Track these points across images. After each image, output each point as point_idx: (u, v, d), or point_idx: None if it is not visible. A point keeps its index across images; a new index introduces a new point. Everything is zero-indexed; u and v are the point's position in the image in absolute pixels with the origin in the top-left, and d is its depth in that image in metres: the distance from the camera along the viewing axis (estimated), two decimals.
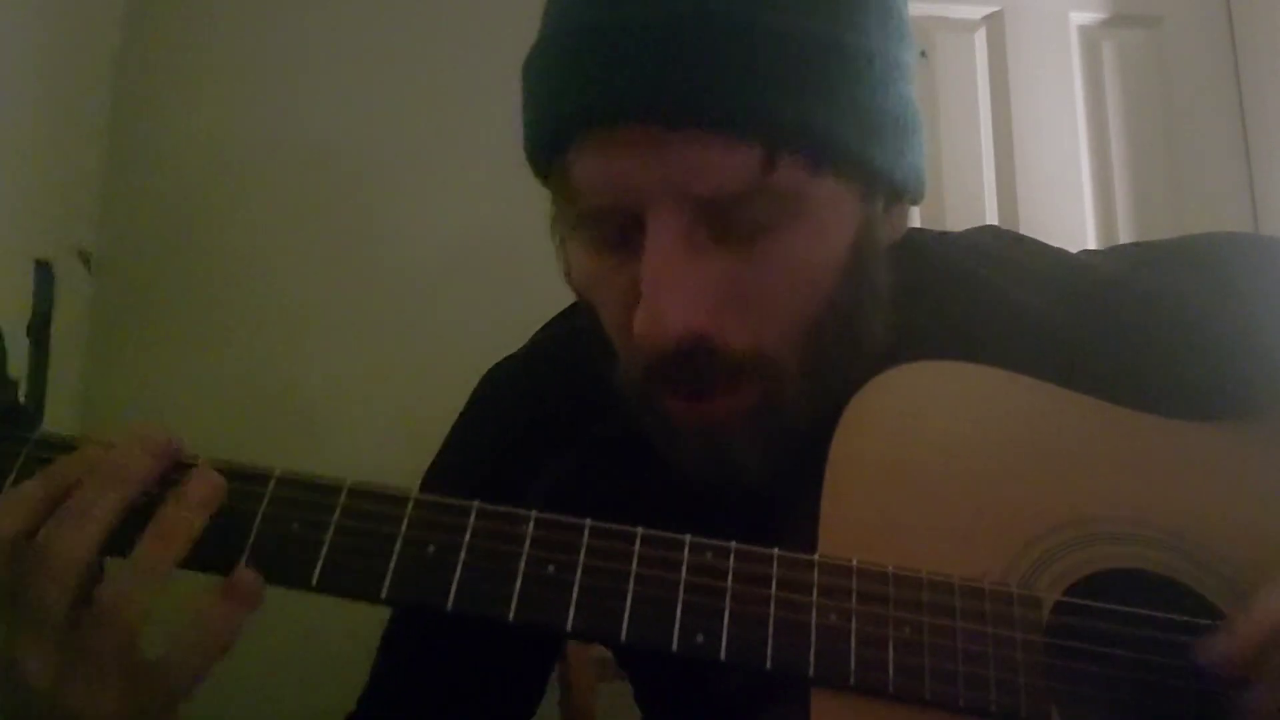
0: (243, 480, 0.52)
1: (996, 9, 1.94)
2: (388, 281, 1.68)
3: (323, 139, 1.72)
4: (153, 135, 1.68)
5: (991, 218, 1.85)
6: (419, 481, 0.73)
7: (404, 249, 1.70)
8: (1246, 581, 0.53)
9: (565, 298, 0.82)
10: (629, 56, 0.52)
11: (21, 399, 0.55)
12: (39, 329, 0.55)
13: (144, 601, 0.48)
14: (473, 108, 1.74)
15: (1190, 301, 0.66)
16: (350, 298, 1.67)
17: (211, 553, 0.50)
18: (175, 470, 0.51)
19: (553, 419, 0.73)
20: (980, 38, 1.94)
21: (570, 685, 1.21)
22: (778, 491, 0.57)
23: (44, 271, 0.55)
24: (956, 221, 1.75)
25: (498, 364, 0.80)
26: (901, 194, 0.62)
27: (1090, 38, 1.95)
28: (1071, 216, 1.86)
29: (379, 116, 1.74)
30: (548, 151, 0.57)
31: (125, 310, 1.61)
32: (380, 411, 1.62)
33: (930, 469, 0.56)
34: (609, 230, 0.56)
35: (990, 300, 0.67)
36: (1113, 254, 0.76)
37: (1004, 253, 0.72)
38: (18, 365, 0.55)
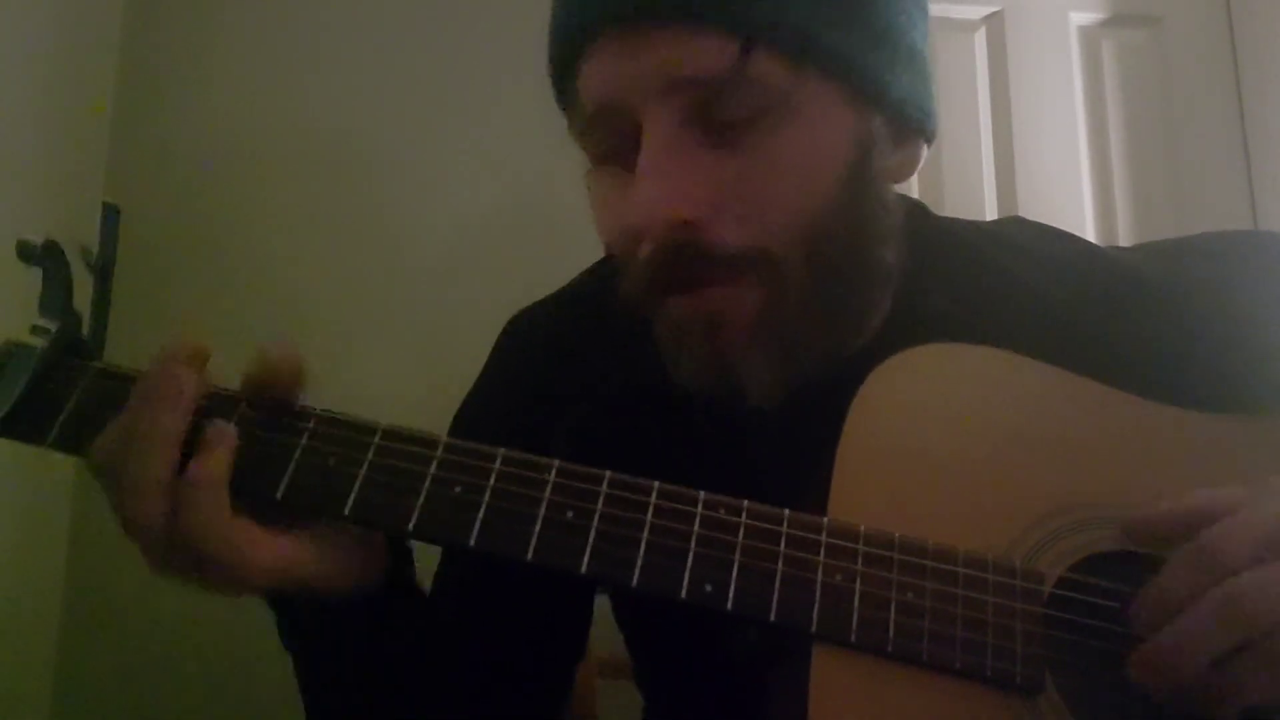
0: (289, 416, 0.56)
1: (996, 9, 1.95)
2: (396, 270, 1.69)
3: (329, 126, 1.72)
4: (157, 127, 1.69)
5: (991, 216, 1.86)
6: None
7: (412, 236, 1.71)
8: None
9: (573, 276, 0.83)
10: None
11: (85, 333, 0.58)
12: (103, 267, 0.58)
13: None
14: (481, 93, 1.76)
15: (1203, 294, 0.67)
16: (358, 286, 1.68)
17: (253, 480, 0.53)
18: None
19: (576, 361, 0.74)
20: (980, 38, 1.95)
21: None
22: (792, 451, 0.58)
23: (110, 213, 0.57)
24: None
25: (521, 311, 0.81)
26: (901, 117, 0.63)
27: (1090, 38, 1.96)
28: (1071, 216, 1.87)
29: (386, 103, 1.74)
30: (564, 73, 0.62)
31: (130, 302, 1.61)
32: (387, 399, 1.61)
33: (939, 450, 0.57)
34: (612, 140, 0.60)
35: (1004, 283, 0.69)
36: (1134, 250, 0.77)
37: (1021, 238, 0.73)
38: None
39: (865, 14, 0.59)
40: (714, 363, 0.60)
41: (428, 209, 1.72)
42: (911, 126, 0.64)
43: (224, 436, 0.52)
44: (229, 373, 1.59)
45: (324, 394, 1.69)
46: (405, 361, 1.65)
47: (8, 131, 1.37)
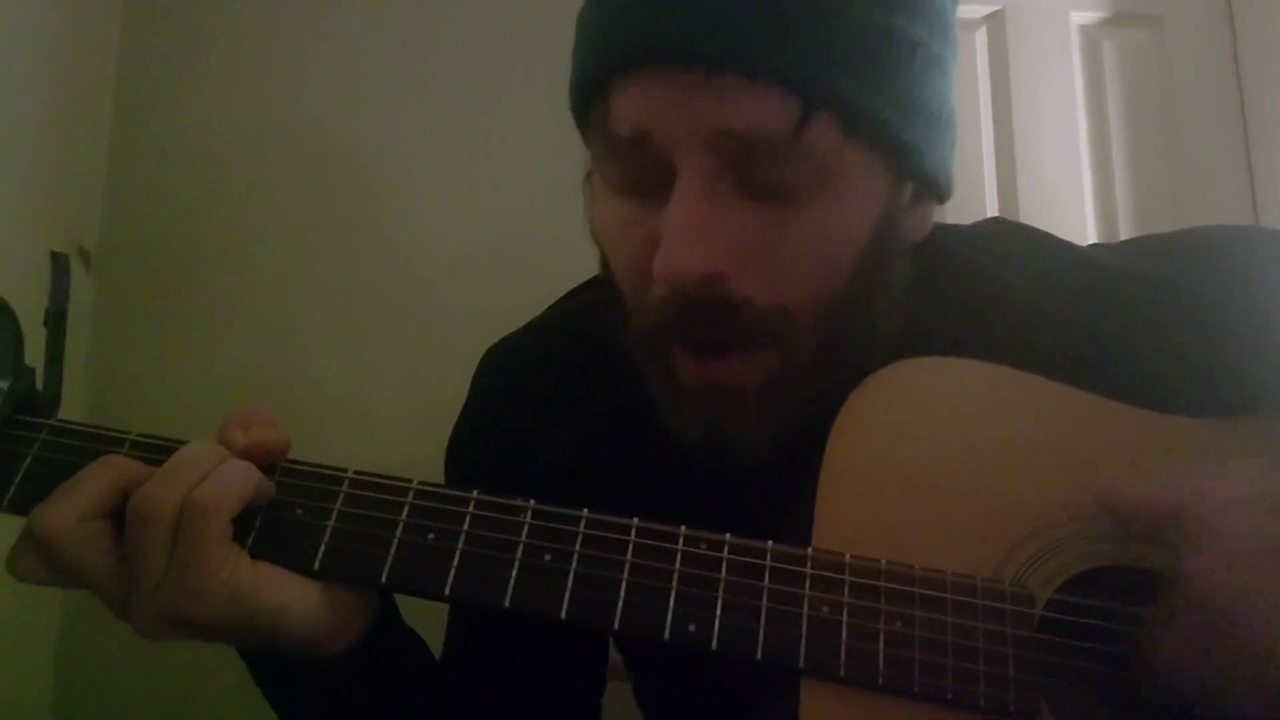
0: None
1: (996, 9, 1.93)
2: (393, 275, 1.68)
3: (327, 131, 1.72)
4: (157, 129, 1.68)
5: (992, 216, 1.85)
6: (427, 474, 0.74)
7: (409, 242, 1.70)
8: None
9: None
10: (680, 2, 0.54)
11: (39, 387, 0.57)
12: (55, 319, 0.57)
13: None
14: (480, 98, 1.75)
15: (1197, 294, 0.66)
16: (355, 291, 1.67)
17: None
18: None
19: (556, 389, 0.73)
20: (980, 38, 1.94)
21: None
22: (778, 476, 0.57)
23: (60, 263, 0.56)
24: (957, 220, 1.73)
25: (497, 342, 0.81)
26: (930, 187, 0.63)
27: (1090, 37, 1.94)
28: (1072, 216, 1.85)
29: (384, 108, 1.73)
30: (593, 89, 0.58)
31: (131, 304, 1.62)
32: (385, 405, 1.62)
33: (925, 466, 0.56)
34: (640, 169, 0.57)
35: (996, 295, 0.68)
36: (1120, 247, 0.76)
37: (1011, 246, 0.72)
38: (33, 355, 0.56)
39: (916, 88, 0.58)
40: (712, 428, 0.59)
41: (429, 218, 1.71)
42: (933, 190, 0.64)
43: (246, 472, 0.52)
44: (225, 383, 1.58)
45: (325, 409, 1.69)
46: (404, 372, 1.64)
47: (8, 134, 1.37)
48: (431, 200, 1.72)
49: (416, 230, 1.71)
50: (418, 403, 1.57)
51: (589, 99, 0.59)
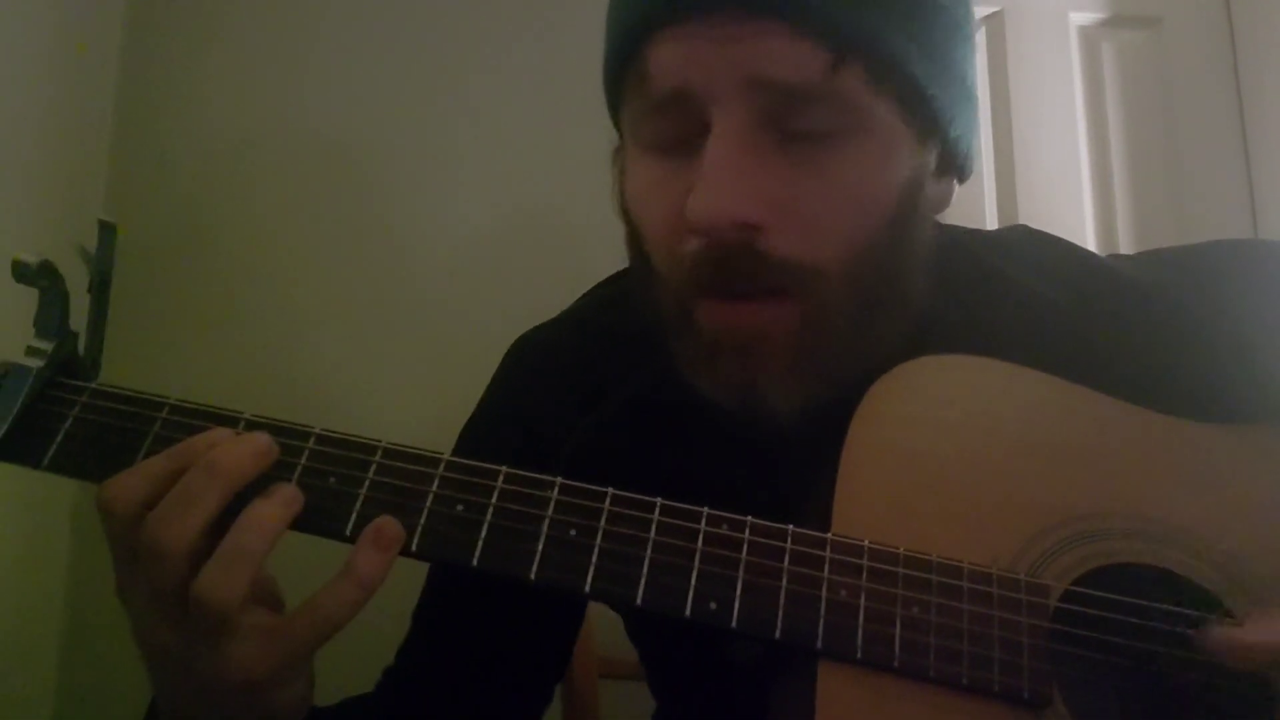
0: (285, 437, 0.55)
1: (996, 9, 1.94)
2: (398, 272, 1.68)
3: (328, 131, 1.71)
4: (158, 130, 1.68)
5: (991, 217, 1.86)
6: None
7: (410, 241, 1.70)
8: (1251, 579, 0.55)
9: (579, 288, 0.84)
10: None
11: (80, 352, 0.58)
12: (99, 286, 0.58)
13: (237, 586, 0.49)
14: (489, 104, 1.74)
15: (1203, 306, 0.67)
16: (361, 290, 1.67)
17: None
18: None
19: (581, 381, 0.74)
20: (980, 38, 1.95)
21: (573, 682, 1.22)
22: (803, 465, 0.58)
23: (107, 231, 0.57)
24: (956, 221, 1.73)
25: (527, 331, 0.81)
26: (952, 156, 0.63)
27: (1090, 38, 1.95)
28: (1071, 216, 1.86)
29: (390, 105, 1.73)
30: (628, 52, 0.59)
31: (132, 305, 1.61)
32: (388, 406, 1.62)
33: (944, 459, 0.57)
34: (677, 125, 0.58)
35: (1014, 296, 0.69)
36: (1135, 259, 0.78)
37: (1027, 250, 0.73)
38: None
39: (944, 49, 0.59)
40: (741, 381, 0.59)
41: (430, 216, 1.71)
42: (955, 163, 0.64)
43: (291, 500, 0.52)
44: (230, 384, 1.59)
45: (329, 408, 1.69)
46: (412, 375, 1.64)
47: (8, 140, 1.36)
48: (433, 198, 1.71)
49: (418, 229, 1.70)
50: (421, 402, 1.56)
51: (626, 59, 0.60)
